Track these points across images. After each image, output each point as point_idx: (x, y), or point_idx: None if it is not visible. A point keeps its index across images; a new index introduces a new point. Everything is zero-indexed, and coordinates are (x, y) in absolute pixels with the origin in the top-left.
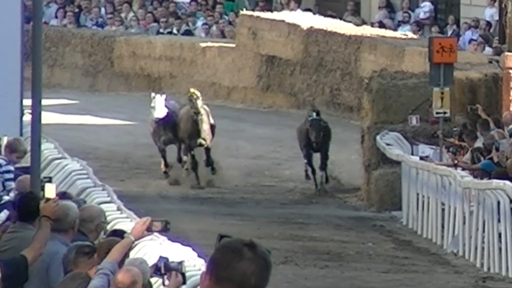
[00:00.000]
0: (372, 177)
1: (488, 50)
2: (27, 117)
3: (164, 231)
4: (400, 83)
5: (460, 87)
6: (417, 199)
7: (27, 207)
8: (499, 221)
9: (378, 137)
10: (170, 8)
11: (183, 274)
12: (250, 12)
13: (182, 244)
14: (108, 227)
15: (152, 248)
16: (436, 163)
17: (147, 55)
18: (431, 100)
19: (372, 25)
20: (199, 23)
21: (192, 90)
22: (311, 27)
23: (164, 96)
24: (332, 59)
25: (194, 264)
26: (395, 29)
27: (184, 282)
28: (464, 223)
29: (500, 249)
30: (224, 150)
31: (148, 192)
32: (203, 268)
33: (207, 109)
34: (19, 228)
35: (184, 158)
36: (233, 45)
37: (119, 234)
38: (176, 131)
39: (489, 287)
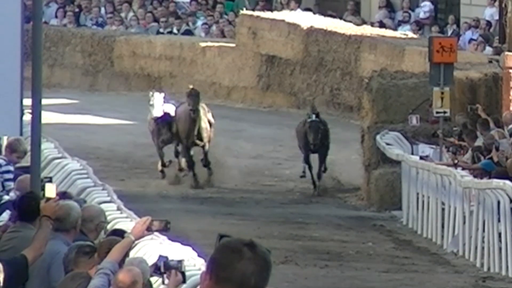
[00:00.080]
0: (372, 177)
1: (488, 49)
2: (27, 117)
3: (164, 230)
4: (400, 82)
5: (460, 87)
6: (417, 198)
7: (27, 207)
8: (499, 220)
9: (378, 137)
10: (170, 8)
11: (182, 273)
12: (250, 12)
13: (182, 243)
14: (108, 226)
15: (152, 248)
16: (436, 162)
17: (147, 54)
18: (431, 99)
19: (372, 24)
20: (199, 22)
21: (191, 86)
22: (311, 26)
23: (162, 94)
24: (332, 58)
25: (194, 264)
26: (395, 29)
27: (184, 281)
28: (464, 222)
29: (500, 249)
30: (224, 150)
31: (148, 192)
32: (203, 268)
33: (205, 107)
34: (20, 228)
35: (182, 163)
36: (233, 45)
37: (119, 233)
38: (175, 130)
39: (489, 286)
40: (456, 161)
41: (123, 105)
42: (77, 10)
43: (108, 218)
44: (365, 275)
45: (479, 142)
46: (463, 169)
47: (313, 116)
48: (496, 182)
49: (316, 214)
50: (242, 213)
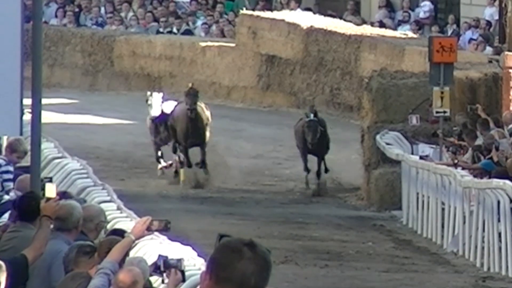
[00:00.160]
0: (372, 177)
1: (488, 49)
2: (27, 117)
3: (165, 230)
4: (400, 82)
5: (460, 87)
6: (417, 198)
7: (27, 207)
8: (499, 220)
9: (378, 137)
10: (170, 8)
11: (182, 272)
12: (250, 12)
13: (182, 243)
14: (108, 226)
15: (152, 248)
16: (436, 162)
17: (147, 54)
18: (431, 99)
19: (372, 24)
20: (199, 22)
21: (190, 84)
22: (311, 26)
23: (161, 94)
24: (332, 58)
25: (194, 264)
26: (395, 29)
27: (183, 280)
28: (464, 222)
29: (500, 248)
30: (224, 150)
31: (148, 192)
32: (203, 268)
33: (203, 106)
34: (20, 227)
35: (180, 157)
36: (233, 45)
37: (119, 233)
38: (172, 130)
39: (489, 286)
40: (456, 161)
41: (123, 105)
42: (77, 10)
43: (108, 217)
44: (365, 275)
45: (479, 142)
46: (463, 169)
47: (311, 116)
48: (496, 182)
49: (316, 214)
50: (242, 213)
